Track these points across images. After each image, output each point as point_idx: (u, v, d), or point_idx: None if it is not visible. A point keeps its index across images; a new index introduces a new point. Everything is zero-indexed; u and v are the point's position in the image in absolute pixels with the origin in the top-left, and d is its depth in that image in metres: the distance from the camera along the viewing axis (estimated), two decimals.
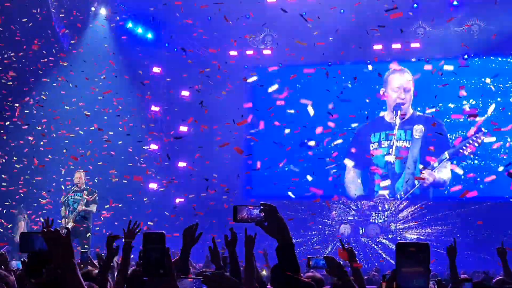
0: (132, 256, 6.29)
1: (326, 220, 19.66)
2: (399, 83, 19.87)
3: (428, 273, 2.40)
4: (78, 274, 3.08)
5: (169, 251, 2.99)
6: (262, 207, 3.43)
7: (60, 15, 17.28)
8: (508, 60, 18.95)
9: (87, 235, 13.69)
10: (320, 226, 19.63)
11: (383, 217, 19.21)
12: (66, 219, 13.71)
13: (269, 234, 3.40)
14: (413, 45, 18.69)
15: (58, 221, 13.44)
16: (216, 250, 5.59)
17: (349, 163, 19.87)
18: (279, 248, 3.34)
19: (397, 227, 19.02)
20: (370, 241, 19.10)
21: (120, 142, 16.85)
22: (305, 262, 5.32)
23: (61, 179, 15.97)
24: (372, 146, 20.06)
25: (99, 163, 16.45)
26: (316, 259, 4.87)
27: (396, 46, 18.81)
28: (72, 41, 17.99)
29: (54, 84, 16.86)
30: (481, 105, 18.57)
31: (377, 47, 18.75)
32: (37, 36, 16.23)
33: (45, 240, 3.15)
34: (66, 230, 3.21)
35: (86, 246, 13.10)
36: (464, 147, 18.59)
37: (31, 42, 16.08)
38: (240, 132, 17.97)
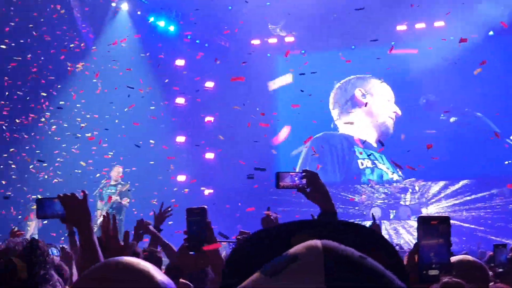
0: None
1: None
2: (390, 95, 19.16)
3: (449, 245, 2.39)
4: (94, 238, 3.14)
5: (210, 224, 3.04)
6: (304, 174, 3.43)
7: (79, 14, 17.42)
8: None
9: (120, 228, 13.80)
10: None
11: (415, 198, 19.00)
12: (101, 212, 13.90)
13: (311, 200, 3.40)
14: (437, 24, 18.34)
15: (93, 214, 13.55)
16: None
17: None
18: (322, 214, 3.34)
19: (429, 208, 18.77)
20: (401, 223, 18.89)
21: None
22: None
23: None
24: (362, 164, 19.37)
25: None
26: None
27: (420, 25, 18.48)
28: (94, 38, 18.18)
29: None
30: None
31: (401, 27, 18.48)
32: (60, 35, 16.41)
33: (63, 204, 3.22)
34: (82, 194, 3.26)
35: None
36: None
37: (55, 40, 16.27)
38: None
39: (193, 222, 3.03)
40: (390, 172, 19.06)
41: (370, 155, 18.82)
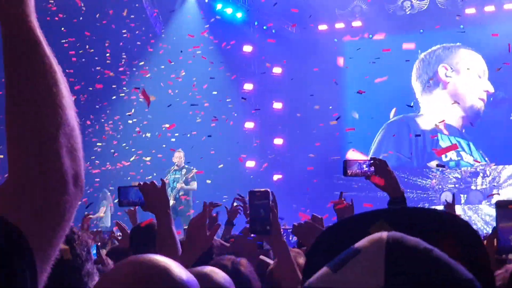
0: None
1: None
2: (482, 68, 17.19)
3: None
4: (172, 224, 3.23)
5: (274, 208, 3.02)
6: (372, 161, 3.46)
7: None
8: None
9: (188, 213, 13.96)
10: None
11: (486, 183, 18.50)
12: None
13: (379, 187, 3.43)
14: (507, 6, 17.78)
15: None
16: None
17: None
18: (391, 201, 3.36)
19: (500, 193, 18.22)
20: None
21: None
22: None
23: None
24: (446, 155, 17.50)
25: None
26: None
27: (490, 8, 17.93)
28: (163, 26, 18.50)
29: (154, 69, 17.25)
30: None
31: (470, 10, 17.99)
32: (130, 22, 16.72)
33: (142, 192, 3.34)
34: (161, 182, 3.38)
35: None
36: None
37: (124, 28, 16.63)
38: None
39: (256, 205, 3.01)
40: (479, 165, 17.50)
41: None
